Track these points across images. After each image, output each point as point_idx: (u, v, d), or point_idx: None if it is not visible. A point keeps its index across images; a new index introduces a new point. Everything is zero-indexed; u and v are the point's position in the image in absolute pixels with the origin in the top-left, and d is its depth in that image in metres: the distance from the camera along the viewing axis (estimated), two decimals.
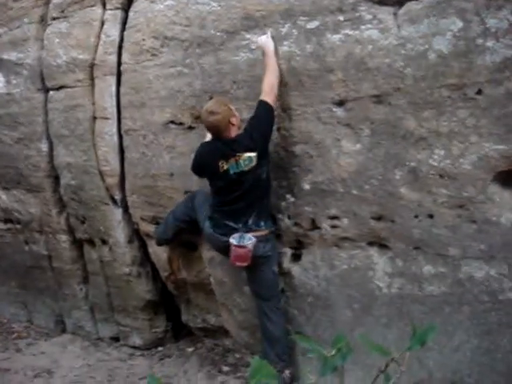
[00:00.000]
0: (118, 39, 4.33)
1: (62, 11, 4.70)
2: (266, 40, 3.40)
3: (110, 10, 4.40)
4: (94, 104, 4.49)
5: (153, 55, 4.07)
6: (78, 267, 5.06)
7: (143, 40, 4.12)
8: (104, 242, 4.73)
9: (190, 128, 3.96)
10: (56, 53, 4.69)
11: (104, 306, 5.00)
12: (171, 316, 4.87)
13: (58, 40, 4.70)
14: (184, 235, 4.15)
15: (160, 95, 4.05)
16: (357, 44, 3.14)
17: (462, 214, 2.94)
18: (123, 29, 4.32)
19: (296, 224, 3.58)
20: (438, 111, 2.94)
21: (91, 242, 4.88)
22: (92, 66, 4.48)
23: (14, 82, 5.01)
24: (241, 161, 3.33)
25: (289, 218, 3.60)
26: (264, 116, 3.33)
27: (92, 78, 4.50)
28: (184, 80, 3.90)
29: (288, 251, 3.67)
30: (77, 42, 4.57)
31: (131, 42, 4.21)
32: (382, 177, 3.17)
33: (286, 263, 3.67)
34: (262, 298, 3.60)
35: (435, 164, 2.98)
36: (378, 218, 3.23)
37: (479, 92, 2.82)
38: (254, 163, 3.32)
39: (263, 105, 3.31)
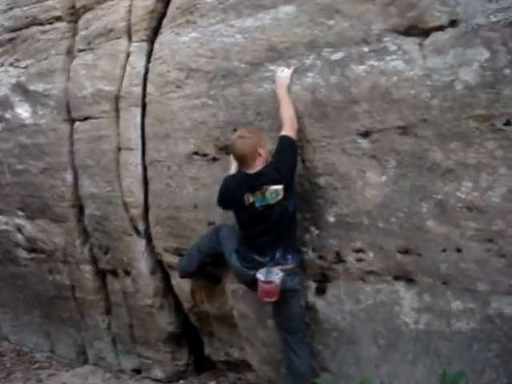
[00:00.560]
0: (143, 71, 4.37)
1: (89, 43, 4.78)
2: (282, 73, 3.43)
3: (136, 42, 4.46)
4: (118, 135, 4.53)
5: (177, 87, 4.09)
6: (100, 298, 5.05)
7: (168, 72, 4.15)
8: (127, 272, 4.72)
9: (214, 159, 3.95)
10: (82, 84, 4.76)
11: (126, 338, 4.97)
12: (194, 349, 4.80)
13: (84, 72, 4.78)
14: (208, 267, 4.11)
15: (184, 126, 4.06)
16: (382, 75, 3.11)
17: (490, 248, 2.86)
18: (148, 61, 4.36)
19: (320, 257, 3.51)
20: (465, 143, 2.88)
21: (114, 273, 4.87)
22: (117, 97, 4.52)
23: (41, 112, 5.09)
24: (267, 194, 3.30)
25: (313, 250, 3.54)
26: (288, 149, 3.31)
27: (117, 110, 4.55)
28: (208, 111, 3.91)
29: (312, 284, 3.60)
30: (103, 74, 4.63)
31: (156, 73, 4.24)
32: (408, 209, 3.10)
33: (311, 297, 3.59)
34: (289, 331, 3.52)
35: (463, 196, 2.91)
36: (405, 252, 3.15)
37: (507, 123, 2.76)
38: (280, 196, 3.28)
39: (286, 139, 3.30)
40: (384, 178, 3.18)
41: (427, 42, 2.97)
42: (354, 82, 3.22)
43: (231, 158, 3.68)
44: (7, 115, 5.38)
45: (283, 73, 3.45)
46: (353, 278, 3.39)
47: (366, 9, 3.15)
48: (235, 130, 3.71)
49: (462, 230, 2.93)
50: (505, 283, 2.82)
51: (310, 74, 3.39)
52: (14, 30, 5.35)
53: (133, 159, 4.43)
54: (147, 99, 4.31)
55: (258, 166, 3.37)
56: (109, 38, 4.64)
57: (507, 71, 2.72)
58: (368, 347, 3.35)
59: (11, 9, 5.38)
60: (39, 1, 5.13)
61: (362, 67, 3.18)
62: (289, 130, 3.32)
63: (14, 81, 5.32)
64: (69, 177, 4.93)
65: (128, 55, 4.51)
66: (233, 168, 3.64)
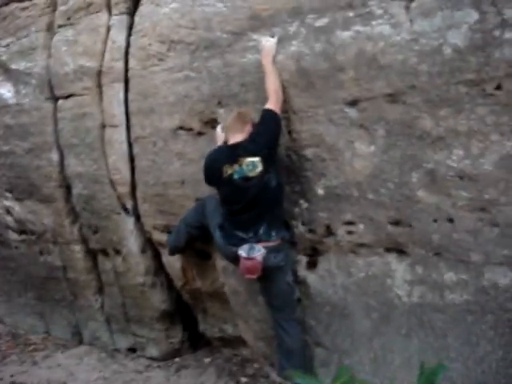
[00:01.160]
0: (124, 45, 4.24)
1: (69, 18, 4.63)
2: (267, 43, 3.31)
3: (116, 15, 4.32)
4: (102, 112, 4.41)
5: (159, 60, 3.97)
6: (92, 278, 4.99)
7: (149, 45, 4.02)
8: (117, 251, 4.65)
9: (200, 134, 3.85)
10: (63, 61, 4.63)
11: (120, 317, 4.92)
12: (188, 326, 4.76)
13: (65, 48, 4.64)
14: (197, 244, 4.04)
15: (168, 101, 3.94)
16: (368, 41, 2.99)
17: (483, 218, 2.78)
18: (129, 34, 4.23)
19: (310, 230, 3.44)
20: (455, 109, 2.78)
21: (105, 252, 4.80)
22: (99, 73, 4.40)
23: (24, 91, 4.95)
24: (244, 165, 3.21)
25: (303, 224, 3.46)
26: (269, 123, 3.23)
27: (100, 86, 4.42)
28: (192, 84, 3.79)
29: (303, 259, 3.54)
30: (84, 50, 4.49)
31: (137, 47, 4.12)
32: (398, 180, 3.02)
33: (302, 271, 3.53)
34: (276, 308, 3.47)
35: (454, 165, 2.82)
36: (396, 223, 3.08)
37: (498, 87, 2.65)
38: (259, 169, 3.19)
39: (268, 111, 3.22)
40: (373, 147, 3.08)
41: (414, 4, 2.84)
42: (339, 49, 3.10)
43: (217, 131, 3.58)
44: None
45: (268, 42, 3.33)
46: (344, 251, 3.32)
47: None
48: (219, 103, 3.62)
49: (453, 200, 2.85)
50: (498, 253, 2.75)
51: (294, 42, 3.27)
52: None
53: (117, 136, 4.32)
54: (129, 74, 4.19)
55: (240, 138, 3.28)
56: (88, 11, 4.50)
57: (497, 33, 2.61)
58: (361, 321, 3.29)
59: None
60: None
61: (347, 33, 3.06)
62: (273, 103, 3.23)
63: None
64: (54, 156, 4.82)
65: (108, 29, 4.37)
66: (218, 143, 3.54)
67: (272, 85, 3.26)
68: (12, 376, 4.69)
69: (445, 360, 2.89)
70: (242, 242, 3.29)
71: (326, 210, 3.33)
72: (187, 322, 4.74)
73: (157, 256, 4.51)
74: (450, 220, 2.88)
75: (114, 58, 4.28)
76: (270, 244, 3.28)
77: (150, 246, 4.51)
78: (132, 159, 4.31)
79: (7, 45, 5.12)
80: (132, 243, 4.51)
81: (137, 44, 4.12)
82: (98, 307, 5.05)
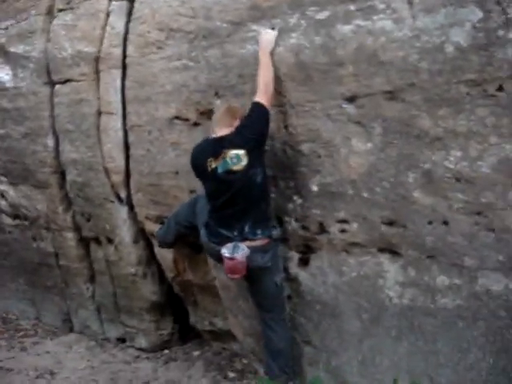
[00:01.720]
0: (123, 31, 4.16)
1: (68, 2, 4.57)
2: (266, 35, 3.23)
3: (116, 0, 4.25)
4: (99, 98, 4.34)
5: (158, 48, 3.90)
6: (84, 266, 4.95)
7: (148, 32, 3.95)
8: (109, 240, 4.61)
9: (195, 124, 3.78)
10: (62, 45, 4.57)
11: (110, 306, 4.88)
12: (179, 318, 4.71)
13: (63, 32, 4.58)
14: (189, 237, 3.98)
15: (165, 89, 3.88)
16: (369, 36, 2.91)
17: (479, 222, 2.71)
18: (129, 20, 4.15)
19: (303, 227, 3.37)
20: (455, 109, 2.71)
21: (97, 241, 4.76)
22: (97, 59, 4.33)
23: (21, 75, 4.90)
24: (227, 158, 3.12)
25: (296, 220, 3.40)
26: (257, 116, 3.14)
27: (97, 72, 4.35)
28: (189, 74, 3.72)
29: (295, 255, 3.47)
30: (82, 35, 4.43)
31: (136, 34, 4.05)
32: (394, 179, 2.95)
33: (293, 268, 3.46)
34: (264, 309, 3.41)
35: (451, 166, 2.75)
36: (390, 223, 3.01)
37: (500, 88, 2.59)
38: (243, 162, 3.10)
39: (256, 104, 3.14)
40: (369, 145, 3.01)
41: (417, 0, 2.76)
42: (339, 43, 3.02)
43: (212, 122, 3.51)
44: None
45: (267, 34, 3.25)
46: (336, 250, 3.26)
47: None
48: (216, 94, 3.55)
49: (449, 202, 2.78)
50: (493, 258, 2.69)
51: (293, 35, 3.19)
52: None
53: (113, 124, 4.26)
54: (127, 61, 4.12)
55: (227, 132, 3.21)
56: None
57: (501, 32, 2.54)
58: (351, 321, 3.23)
59: None
60: None
61: (348, 27, 2.98)
62: (262, 96, 3.15)
63: None
64: (50, 142, 4.77)
65: (108, 15, 4.29)
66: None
67: (263, 77, 3.17)
68: (0, 361, 4.65)
69: (434, 365, 2.84)
70: (227, 240, 3.18)
71: (320, 207, 3.26)
72: (178, 314, 4.70)
73: (149, 246, 4.47)
74: (445, 223, 2.81)
75: (113, 45, 4.21)
76: (256, 243, 3.18)
77: (142, 236, 4.46)
78: (127, 147, 4.24)
79: (6, 27, 5.07)
80: (124, 233, 4.46)
81: (136, 31, 4.05)
82: (88, 296, 5.02)
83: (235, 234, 3.18)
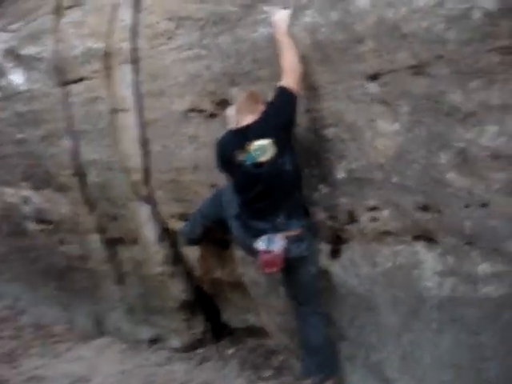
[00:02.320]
0: (131, 23, 4.00)
1: None
2: (279, 15, 3.04)
3: None
4: (112, 95, 4.20)
5: (168, 38, 3.75)
6: (111, 267, 4.84)
7: (157, 23, 3.80)
8: (135, 240, 4.49)
9: (212, 115, 3.61)
10: (72, 44, 4.46)
11: (140, 307, 4.77)
12: (211, 316, 4.57)
13: (72, 30, 4.48)
14: (215, 233, 3.81)
15: (178, 81, 3.72)
16: (388, 7, 2.68)
17: None
18: (137, 12, 3.98)
19: (332, 217, 3.18)
20: (487, 80, 2.46)
21: (123, 242, 4.64)
22: (108, 54, 4.18)
23: (34, 77, 4.79)
24: (253, 149, 2.95)
25: (323, 210, 3.20)
26: (283, 101, 2.95)
27: (109, 68, 4.20)
28: (202, 63, 3.55)
29: (325, 247, 3.28)
30: (91, 31, 4.31)
31: (145, 25, 3.91)
32: (425, 161, 2.72)
33: (324, 260, 3.27)
34: (300, 302, 3.23)
35: (487, 143, 2.50)
36: (423, 209, 2.78)
37: None
38: (270, 153, 2.93)
39: (282, 89, 2.94)
40: (396, 125, 2.79)
41: None
42: (357, 18, 2.80)
43: (227, 113, 3.33)
44: (2, 83, 5.09)
45: (281, 14, 3.05)
46: (368, 239, 3.06)
47: None
48: (231, 82, 3.40)
49: (487, 183, 2.54)
50: None
51: (308, 12, 2.99)
52: None
53: (128, 120, 4.12)
54: (138, 54, 3.96)
55: (251, 119, 3.02)
56: None
57: None
58: (388, 314, 3.03)
59: None
60: None
61: (365, 0, 2.76)
62: (288, 79, 2.95)
63: (5, 46, 5.01)
64: (68, 144, 4.65)
65: (115, 8, 4.13)
66: (229, 126, 3.29)
67: (288, 59, 2.97)
68: (34, 369, 4.59)
69: (479, 359, 2.63)
70: (260, 232, 3.03)
71: (348, 196, 3.07)
72: (209, 312, 4.56)
73: (175, 245, 4.33)
74: (484, 205, 2.57)
75: (122, 38, 4.06)
76: (291, 233, 3.02)
77: (167, 235, 4.32)
78: (145, 144, 4.09)
79: (16, 30, 4.98)
80: (149, 232, 4.34)
81: (144, 22, 3.91)
82: (118, 297, 4.91)
83: (268, 225, 3.02)
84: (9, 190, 5.46)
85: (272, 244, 2.95)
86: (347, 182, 3.05)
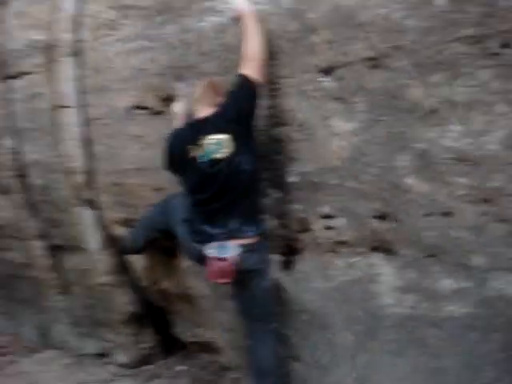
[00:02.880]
0: (73, 13, 3.69)
1: None
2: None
3: None
4: (53, 91, 3.88)
5: (111, 29, 3.47)
6: (56, 276, 4.50)
7: (100, 12, 3.49)
8: (78, 248, 4.16)
9: (157, 113, 3.32)
10: (14, 35, 4.13)
11: (86, 320, 4.46)
12: (161, 329, 4.26)
13: (15, 21, 4.14)
14: (161, 241, 3.51)
15: (122, 76, 3.44)
16: None
17: (487, 211, 2.24)
18: (80, 0, 3.68)
19: (283, 225, 2.91)
20: (451, 73, 2.25)
21: (66, 249, 4.31)
22: (49, 47, 3.86)
23: None
24: (209, 145, 2.67)
25: (274, 217, 2.92)
26: (241, 90, 2.67)
27: (51, 62, 3.88)
28: (146, 55, 3.28)
29: (276, 258, 2.99)
30: (34, 22, 3.98)
31: (88, 15, 3.60)
32: (383, 164, 2.48)
33: (275, 273, 2.99)
34: (252, 318, 2.92)
35: (451, 144, 2.28)
36: (381, 217, 2.54)
37: (506, 45, 2.12)
38: (228, 149, 2.65)
39: (241, 79, 2.67)
40: (352, 124, 2.55)
41: None
42: (310, 5, 2.55)
43: (172, 110, 3.04)
44: None
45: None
46: (322, 250, 2.80)
47: None
48: (177, 76, 3.12)
49: (450, 189, 2.31)
50: (506, 256, 2.22)
51: (258, 0, 2.72)
52: None
53: (70, 118, 3.80)
54: (81, 46, 3.65)
55: (209, 112, 2.75)
56: None
57: None
58: (343, 333, 2.77)
59: None
60: None
61: None
62: (248, 67, 2.67)
63: None
64: (8, 143, 4.32)
65: None
66: (175, 124, 3.00)
67: (249, 48, 2.68)
68: None
69: None
70: (211, 238, 2.73)
71: (301, 202, 2.80)
72: (159, 326, 4.25)
73: (120, 253, 4.01)
74: (447, 214, 2.35)
75: (64, 29, 3.75)
76: (246, 242, 2.73)
77: (112, 242, 4.01)
78: (88, 144, 3.78)
79: None
80: (92, 239, 4.02)
81: (87, 12, 3.60)
82: (63, 308, 4.59)
83: (220, 231, 2.73)
84: None
85: (224, 251, 2.65)
86: (299, 187, 2.79)
